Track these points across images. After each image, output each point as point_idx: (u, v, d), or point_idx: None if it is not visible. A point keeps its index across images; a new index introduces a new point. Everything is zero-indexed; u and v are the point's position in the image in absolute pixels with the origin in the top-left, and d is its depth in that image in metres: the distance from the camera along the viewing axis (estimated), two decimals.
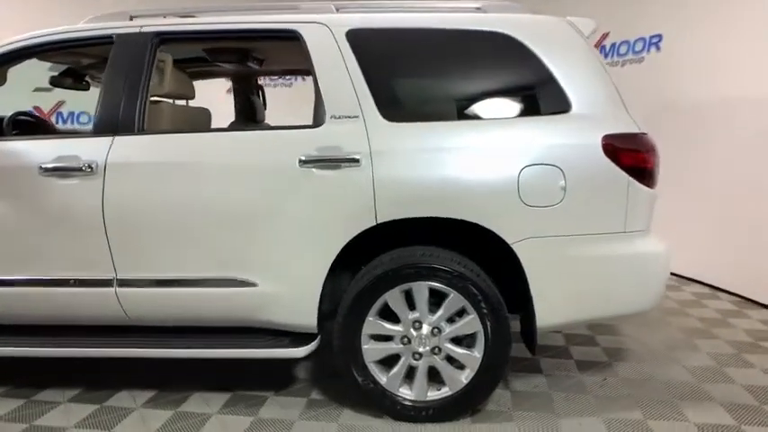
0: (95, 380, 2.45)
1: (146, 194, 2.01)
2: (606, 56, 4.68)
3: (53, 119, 5.39)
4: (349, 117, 2.00)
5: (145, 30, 2.14)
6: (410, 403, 2.06)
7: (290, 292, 2.03)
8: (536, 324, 1.98)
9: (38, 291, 2.09)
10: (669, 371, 2.53)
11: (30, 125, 2.53)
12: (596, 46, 4.55)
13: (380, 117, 1.99)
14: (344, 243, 1.97)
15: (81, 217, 2.02)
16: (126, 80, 2.08)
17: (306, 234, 1.98)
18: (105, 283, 2.07)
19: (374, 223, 1.95)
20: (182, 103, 2.63)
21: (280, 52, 2.76)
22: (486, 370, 2.01)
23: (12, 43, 2.16)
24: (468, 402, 2.07)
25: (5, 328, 2.22)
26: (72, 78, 2.88)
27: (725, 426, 2.04)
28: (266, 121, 3.52)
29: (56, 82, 2.84)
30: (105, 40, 2.17)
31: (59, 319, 2.17)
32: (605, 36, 4.69)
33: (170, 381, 2.42)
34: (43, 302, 2.11)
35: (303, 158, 1.96)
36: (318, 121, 2.03)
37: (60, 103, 5.39)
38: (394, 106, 2.04)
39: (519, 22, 2.06)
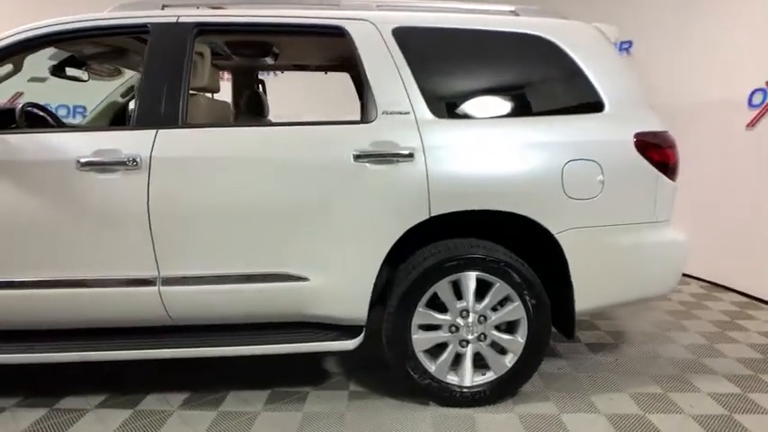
0: (118, 383, 2.35)
1: (194, 190, 1.95)
2: None
3: None
4: (400, 113, 2.04)
5: (182, 20, 2.08)
6: (457, 389, 2.14)
7: (343, 285, 2.05)
8: (575, 309, 2.12)
9: (71, 292, 1.97)
10: (669, 349, 2.78)
11: (38, 118, 2.36)
12: None
13: (429, 113, 2.06)
14: (398, 236, 2.02)
15: (123, 213, 1.93)
16: (166, 72, 2.01)
17: (359, 228, 2.00)
18: (147, 282, 1.99)
19: (427, 216, 2.01)
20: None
21: (307, 48, 2.75)
22: (528, 354, 2.13)
23: (33, 29, 2.02)
24: (511, 385, 2.18)
25: (14, 333, 2.08)
26: (74, 69, 2.71)
27: (733, 394, 2.28)
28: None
29: (56, 72, 2.66)
30: (138, 30, 2.08)
31: (92, 323, 2.06)
32: None
33: (196, 381, 2.37)
34: (76, 305, 2.00)
35: (357, 153, 1.98)
36: (370, 116, 2.06)
37: (18, 95, 4.98)
38: (441, 103, 2.10)
39: (555, 27, 2.20)
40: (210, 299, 2.03)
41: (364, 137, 2.01)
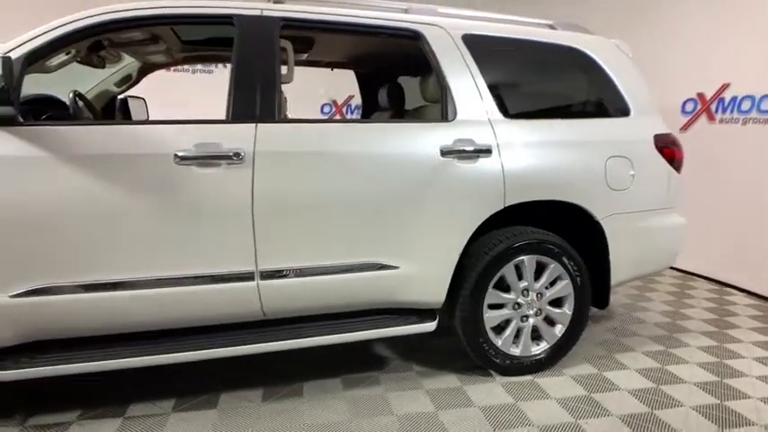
0: (173, 384, 2.27)
1: (295, 184, 1.97)
2: None
3: None
4: (477, 113, 2.25)
5: (266, 14, 2.07)
6: (518, 360, 2.42)
7: (428, 272, 2.21)
8: (610, 283, 2.50)
9: (165, 292, 1.90)
10: (647, 315, 3.32)
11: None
12: None
13: (498, 113, 2.29)
14: (478, 225, 2.23)
15: (225, 208, 1.90)
16: (259, 66, 2.00)
17: (445, 219, 2.18)
18: (246, 277, 1.98)
19: (502, 207, 2.24)
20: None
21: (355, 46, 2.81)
22: (574, 324, 2.47)
23: (112, 13, 1.88)
24: (559, 353, 2.50)
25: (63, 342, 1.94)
26: (96, 55, 2.50)
27: (713, 346, 2.84)
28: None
29: (84, 58, 2.44)
30: (222, 20, 2.04)
31: (181, 322, 1.99)
32: None
33: (250, 377, 2.38)
34: (170, 304, 1.92)
35: (443, 150, 2.15)
36: (449, 115, 2.24)
37: None
38: (505, 104, 2.34)
39: (589, 41, 2.55)
40: (306, 291, 2.07)
41: (448, 134, 2.18)
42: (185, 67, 5.62)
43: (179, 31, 2.55)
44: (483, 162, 2.20)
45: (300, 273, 2.04)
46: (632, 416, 2.11)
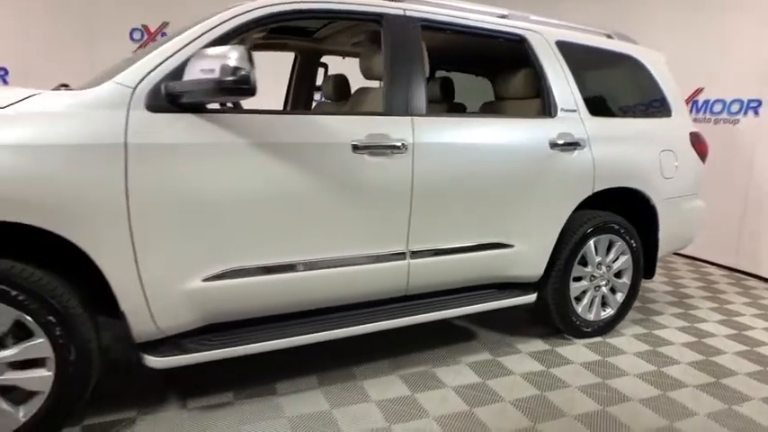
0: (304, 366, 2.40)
1: (443, 172, 2.18)
2: None
3: None
4: (572, 111, 2.59)
5: (408, 14, 2.24)
6: (592, 324, 2.82)
7: (535, 250, 2.52)
8: (657, 256, 2.98)
9: (335, 271, 2.03)
10: (652, 285, 3.91)
11: None
12: None
13: (586, 111, 2.65)
14: (573, 208, 2.58)
15: (389, 194, 2.07)
16: (409, 64, 2.17)
17: (551, 203, 2.50)
18: (399, 256, 2.16)
19: (591, 193, 2.61)
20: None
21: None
22: (631, 293, 2.92)
23: (284, 3, 1.95)
24: (620, 317, 2.94)
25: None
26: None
27: (715, 307, 3.47)
28: None
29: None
30: (372, 18, 2.17)
31: (340, 300, 2.13)
32: None
33: (304, 366, 2.56)
34: (335, 283, 2.06)
35: (551, 143, 2.47)
36: (552, 112, 2.55)
37: None
38: (588, 103, 2.69)
39: (641, 51, 2.99)
40: (443, 268, 2.30)
41: (553, 129, 2.50)
42: None
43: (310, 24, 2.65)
44: (579, 153, 2.55)
45: (440, 252, 2.27)
46: (694, 363, 2.60)
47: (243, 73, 1.57)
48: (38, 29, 4.72)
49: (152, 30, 5.22)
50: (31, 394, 1.63)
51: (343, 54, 3.42)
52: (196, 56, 1.64)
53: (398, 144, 2.06)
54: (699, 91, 4.59)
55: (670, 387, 2.34)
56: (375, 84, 2.71)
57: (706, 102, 4.54)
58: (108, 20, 5.00)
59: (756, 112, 4.13)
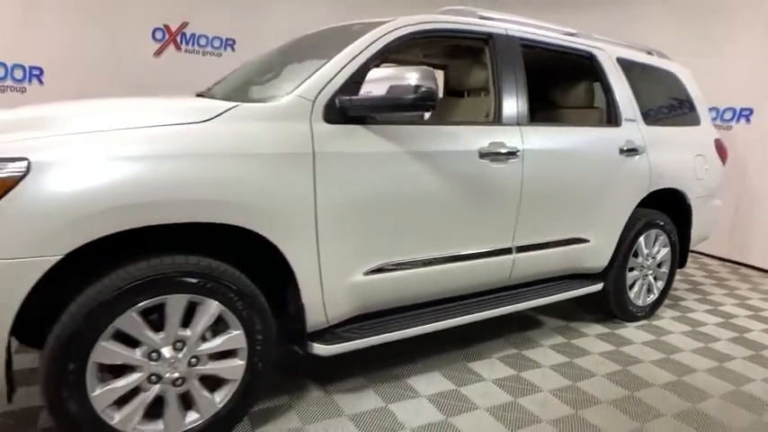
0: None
1: (545, 176, 2.46)
2: None
3: None
4: (633, 120, 2.93)
5: (510, 33, 2.50)
6: (640, 309, 3.19)
7: (605, 244, 2.86)
8: (689, 247, 3.40)
9: (448, 267, 2.25)
10: None
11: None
12: None
13: (642, 120, 3.00)
14: (635, 206, 2.93)
15: (505, 195, 2.33)
16: (515, 78, 2.43)
17: (618, 200, 2.84)
18: (506, 251, 2.43)
19: (647, 193, 2.97)
20: None
21: None
22: (669, 280, 3.32)
23: (416, 24, 2.15)
24: (659, 303, 3.33)
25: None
26: None
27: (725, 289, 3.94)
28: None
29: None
30: (482, 36, 2.41)
31: (456, 291, 2.37)
32: None
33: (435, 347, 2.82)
34: (459, 276, 2.29)
35: (621, 149, 2.80)
36: (617, 121, 2.88)
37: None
38: (642, 113, 3.05)
39: (676, 66, 3.39)
40: (537, 262, 2.59)
41: (620, 137, 2.83)
42: (195, 48, 5.41)
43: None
44: (639, 159, 2.90)
45: (537, 247, 2.55)
46: (732, 339, 3.02)
47: (425, 90, 1.78)
48: (66, 29, 4.63)
49: (173, 30, 5.21)
50: (221, 382, 1.77)
51: (410, 64, 3.63)
52: (380, 74, 1.83)
53: (514, 150, 2.32)
54: None
55: (723, 359, 2.74)
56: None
57: None
58: (131, 20, 4.96)
59: (748, 120, 4.68)
